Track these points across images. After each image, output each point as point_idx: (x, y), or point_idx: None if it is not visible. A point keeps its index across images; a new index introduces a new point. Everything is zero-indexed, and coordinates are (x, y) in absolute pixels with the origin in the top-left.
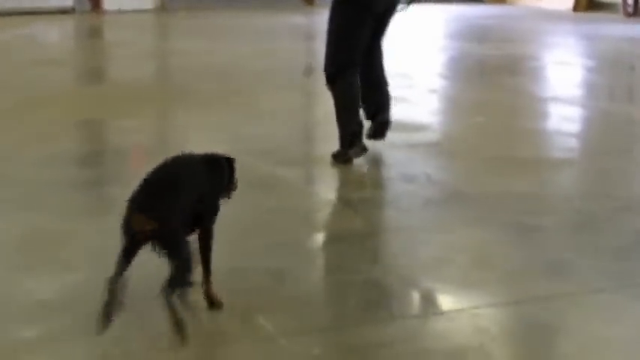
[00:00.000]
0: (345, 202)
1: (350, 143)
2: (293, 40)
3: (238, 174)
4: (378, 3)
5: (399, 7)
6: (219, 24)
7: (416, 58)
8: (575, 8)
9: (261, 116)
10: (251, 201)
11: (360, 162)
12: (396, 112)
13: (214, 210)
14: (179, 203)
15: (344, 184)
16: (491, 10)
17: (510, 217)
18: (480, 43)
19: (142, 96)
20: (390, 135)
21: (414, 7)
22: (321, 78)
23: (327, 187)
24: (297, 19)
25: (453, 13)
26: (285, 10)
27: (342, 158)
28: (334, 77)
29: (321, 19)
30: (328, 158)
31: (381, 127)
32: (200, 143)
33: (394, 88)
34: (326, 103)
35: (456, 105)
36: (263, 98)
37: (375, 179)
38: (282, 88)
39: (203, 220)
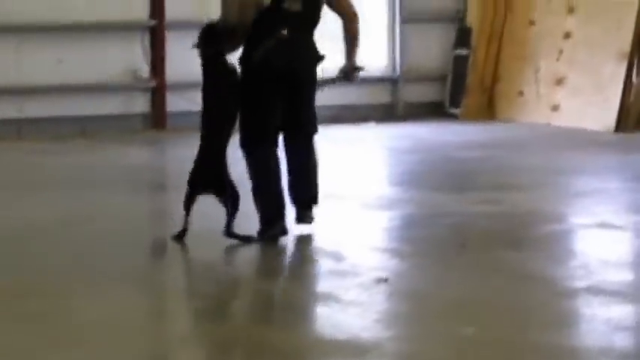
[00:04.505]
0: None
1: (267, 224)
2: (131, 192)
3: None
4: (272, 61)
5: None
6: None
7: (349, 222)
8: (620, 127)
9: (77, 336)
10: None
11: None
12: (324, 318)
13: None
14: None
15: None
16: (475, 133)
17: None
18: (460, 193)
19: None
20: None
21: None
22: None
23: None
24: (138, 154)
25: (410, 139)
26: (118, 140)
27: (264, 236)
28: (245, 153)
29: (177, 153)
30: None
31: (301, 215)
32: None
33: (316, 274)
34: (187, 314)
35: (423, 306)
36: (79, 302)
37: None
38: (115, 281)
39: None
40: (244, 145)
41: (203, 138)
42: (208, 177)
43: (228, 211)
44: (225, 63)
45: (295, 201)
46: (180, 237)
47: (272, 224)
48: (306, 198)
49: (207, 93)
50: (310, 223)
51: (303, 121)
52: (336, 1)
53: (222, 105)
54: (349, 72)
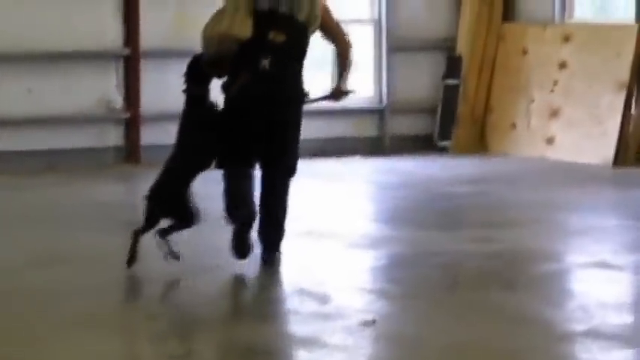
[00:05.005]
0: None
1: (231, 214)
2: (103, 230)
3: None
4: (250, 94)
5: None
6: None
7: (334, 261)
8: (619, 160)
9: None
10: None
11: None
12: None
13: None
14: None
15: None
16: (466, 167)
17: None
18: (450, 231)
19: None
20: None
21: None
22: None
23: None
24: (111, 189)
25: (398, 173)
26: (90, 175)
27: (236, 241)
28: (223, 173)
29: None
30: None
31: (268, 257)
32: None
33: (299, 316)
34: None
35: (413, 350)
36: (47, 348)
37: None
38: (85, 325)
39: None
40: (220, 166)
41: (168, 171)
42: (169, 206)
43: (176, 222)
44: (209, 107)
45: (263, 241)
46: (132, 260)
47: (236, 211)
48: (274, 239)
49: (185, 130)
50: (275, 264)
51: (282, 160)
52: (323, 21)
53: (197, 145)
54: (337, 94)
